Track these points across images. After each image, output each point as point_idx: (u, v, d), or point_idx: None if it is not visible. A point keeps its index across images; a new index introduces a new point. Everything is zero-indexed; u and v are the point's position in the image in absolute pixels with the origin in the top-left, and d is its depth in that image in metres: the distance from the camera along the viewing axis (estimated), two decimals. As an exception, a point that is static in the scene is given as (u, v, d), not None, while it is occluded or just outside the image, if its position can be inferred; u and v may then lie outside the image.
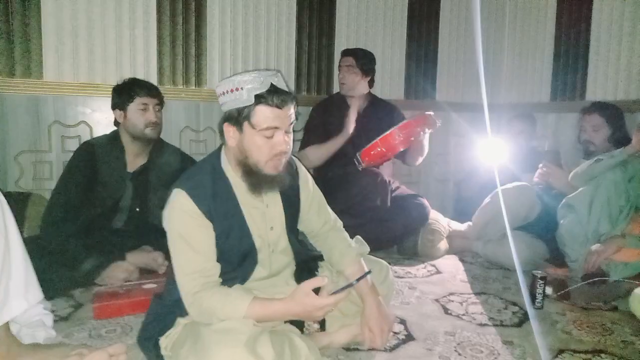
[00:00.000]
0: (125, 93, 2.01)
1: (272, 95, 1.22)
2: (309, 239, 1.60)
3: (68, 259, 1.82)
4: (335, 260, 1.50)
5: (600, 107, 2.35)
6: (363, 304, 1.43)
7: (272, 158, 1.26)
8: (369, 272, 1.36)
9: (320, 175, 2.64)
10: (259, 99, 1.21)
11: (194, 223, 1.26)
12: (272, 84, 1.23)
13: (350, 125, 2.49)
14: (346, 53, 2.66)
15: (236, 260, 1.34)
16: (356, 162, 2.40)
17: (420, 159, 2.63)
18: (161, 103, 2.10)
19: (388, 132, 2.31)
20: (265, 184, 1.30)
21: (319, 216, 1.54)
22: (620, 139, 2.30)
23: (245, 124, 1.23)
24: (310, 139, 2.63)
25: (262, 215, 1.38)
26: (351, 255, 1.48)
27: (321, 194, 1.57)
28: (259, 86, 1.21)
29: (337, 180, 2.48)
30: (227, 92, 1.24)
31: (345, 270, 1.47)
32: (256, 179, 1.29)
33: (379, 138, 2.33)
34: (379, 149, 2.33)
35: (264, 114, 1.22)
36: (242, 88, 1.21)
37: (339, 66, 2.66)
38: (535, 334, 1.65)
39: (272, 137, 1.24)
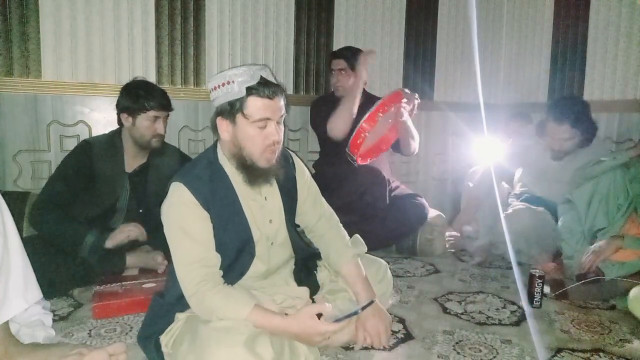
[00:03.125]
0: (138, 102, 1.94)
1: (263, 87, 1.25)
2: (307, 234, 1.60)
3: (68, 240, 1.81)
4: (332, 260, 1.51)
5: (573, 119, 2.20)
6: (358, 301, 1.44)
7: (265, 149, 1.28)
8: (373, 301, 1.36)
9: (319, 172, 2.64)
10: (250, 90, 1.24)
11: (191, 213, 1.27)
12: (261, 76, 1.26)
13: (363, 69, 2.41)
14: (335, 55, 2.64)
15: (234, 252, 1.34)
16: (350, 160, 2.35)
17: (414, 144, 2.57)
18: (169, 112, 2.06)
19: (366, 116, 2.21)
20: (260, 177, 1.32)
21: (314, 209, 1.55)
22: (590, 136, 2.27)
23: (239, 116, 1.26)
24: (324, 119, 2.53)
25: (261, 208, 1.39)
26: (348, 256, 1.49)
27: (317, 187, 1.59)
28: (249, 79, 1.24)
29: (335, 177, 2.48)
30: (219, 86, 1.27)
31: (341, 270, 1.48)
32: (251, 172, 1.31)
33: (360, 125, 2.22)
34: (363, 135, 2.23)
35: (256, 105, 1.25)
36: (233, 81, 1.25)
37: (331, 70, 2.63)
38: (534, 333, 1.65)
39: (265, 127, 1.27)
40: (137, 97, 1.95)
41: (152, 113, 1.95)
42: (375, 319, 1.41)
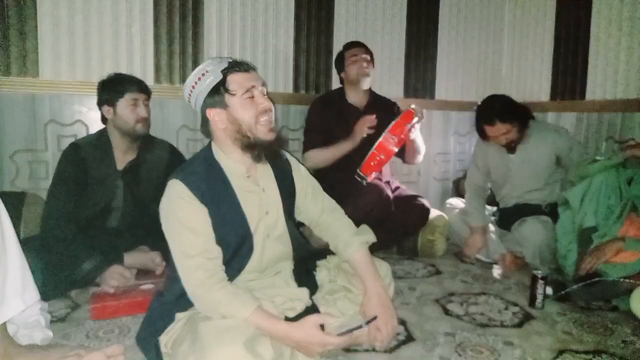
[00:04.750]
0: (114, 89, 1.96)
1: (237, 65, 1.33)
2: (313, 230, 1.59)
3: (69, 260, 1.80)
4: (341, 250, 1.50)
5: (498, 115, 2.33)
6: (365, 288, 1.41)
7: (259, 117, 1.32)
8: (375, 317, 1.34)
9: (321, 181, 2.58)
10: (226, 70, 1.31)
11: (190, 207, 1.27)
12: (229, 61, 1.33)
13: (359, 135, 2.40)
14: (358, 44, 2.62)
15: (233, 247, 1.33)
16: (359, 179, 2.28)
17: (420, 157, 2.57)
18: (149, 97, 2.06)
19: (381, 139, 2.20)
20: (265, 150, 1.36)
21: (315, 202, 1.54)
22: (525, 117, 2.41)
23: (226, 96, 1.31)
24: (312, 139, 2.57)
25: (258, 200, 1.39)
26: (356, 244, 1.47)
27: (316, 181, 1.59)
28: (219, 65, 1.32)
29: (341, 196, 2.42)
30: (195, 84, 1.33)
31: (350, 258, 1.47)
32: (256, 148, 1.34)
33: (374, 148, 2.21)
34: (377, 158, 2.22)
35: (237, 81, 1.31)
36: (207, 71, 1.32)
37: (355, 56, 2.55)
38: (536, 335, 1.65)
39: (253, 97, 1.31)
40: (112, 84, 1.97)
41: (130, 96, 1.96)
42: (382, 306, 1.38)
